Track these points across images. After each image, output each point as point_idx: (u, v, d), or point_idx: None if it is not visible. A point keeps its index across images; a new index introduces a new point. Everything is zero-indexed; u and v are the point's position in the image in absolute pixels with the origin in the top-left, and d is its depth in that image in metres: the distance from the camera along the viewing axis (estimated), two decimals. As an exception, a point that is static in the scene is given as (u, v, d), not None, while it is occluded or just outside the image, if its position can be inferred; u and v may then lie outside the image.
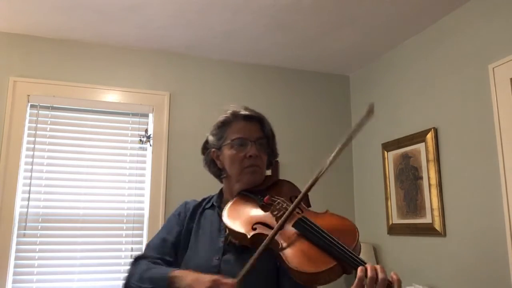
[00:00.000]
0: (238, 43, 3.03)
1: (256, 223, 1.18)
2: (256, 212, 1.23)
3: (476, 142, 2.35)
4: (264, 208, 1.24)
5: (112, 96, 3.01)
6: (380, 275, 0.95)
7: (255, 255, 1.07)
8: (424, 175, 2.68)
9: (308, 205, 1.26)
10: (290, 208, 1.14)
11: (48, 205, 2.79)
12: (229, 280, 1.06)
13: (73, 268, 2.76)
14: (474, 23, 2.43)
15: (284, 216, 1.13)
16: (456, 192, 2.47)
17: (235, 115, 1.37)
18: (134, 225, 2.93)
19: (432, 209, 2.59)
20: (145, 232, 2.92)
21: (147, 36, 2.93)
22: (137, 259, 1.33)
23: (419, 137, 2.74)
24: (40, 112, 2.87)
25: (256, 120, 1.39)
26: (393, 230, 2.93)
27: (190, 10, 2.59)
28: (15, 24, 2.78)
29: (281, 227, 1.11)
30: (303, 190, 1.18)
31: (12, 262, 2.65)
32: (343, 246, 1.02)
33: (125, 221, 2.92)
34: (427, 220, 2.63)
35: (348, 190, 3.43)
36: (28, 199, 2.74)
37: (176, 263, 1.31)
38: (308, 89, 3.49)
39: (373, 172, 3.19)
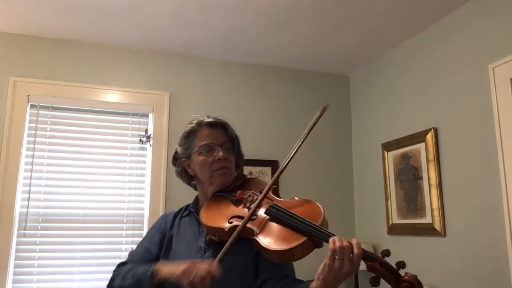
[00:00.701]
0: (238, 43, 3.03)
1: (231, 217, 1.27)
2: (230, 208, 1.33)
3: (476, 142, 2.35)
4: (237, 203, 1.34)
5: (112, 96, 3.01)
6: (344, 243, 1.06)
7: (232, 236, 1.17)
8: (424, 175, 2.68)
9: (278, 197, 1.34)
10: (260, 196, 1.26)
11: (48, 205, 2.79)
12: (205, 264, 1.15)
13: (73, 268, 2.76)
14: (474, 23, 2.43)
15: (256, 202, 1.25)
16: (456, 192, 2.47)
17: (199, 124, 1.45)
18: (134, 225, 2.93)
19: (432, 209, 2.59)
20: (145, 232, 2.91)
21: (147, 36, 2.93)
22: (120, 264, 1.41)
23: (419, 137, 2.74)
24: (40, 112, 2.87)
25: (219, 126, 1.46)
26: (393, 230, 2.94)
27: (190, 10, 2.59)
28: (15, 24, 2.78)
29: (254, 212, 1.22)
30: (270, 182, 1.30)
31: (12, 262, 2.65)
32: (310, 223, 1.13)
33: (125, 221, 2.92)
34: (427, 220, 2.63)
35: (348, 190, 3.43)
36: (28, 199, 2.74)
37: None
38: (308, 89, 3.49)
39: (373, 172, 3.19)
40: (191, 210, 1.46)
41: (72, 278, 2.75)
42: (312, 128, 1.31)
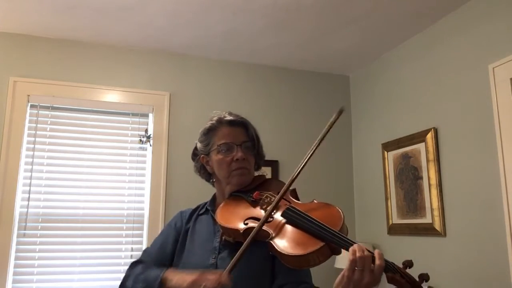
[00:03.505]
0: (238, 43, 3.03)
1: (247, 218, 1.23)
2: (247, 209, 1.29)
3: (476, 142, 2.35)
4: (254, 204, 1.30)
5: (112, 96, 3.01)
6: (365, 253, 1.03)
7: (245, 244, 1.12)
8: (424, 175, 2.68)
9: (297, 199, 1.31)
10: (276, 197, 1.21)
11: (48, 205, 2.79)
12: (214, 274, 1.12)
13: (73, 268, 2.76)
14: (474, 23, 2.42)
15: (272, 205, 1.20)
16: (456, 192, 2.47)
17: (220, 121, 1.41)
18: (134, 225, 2.93)
19: (432, 209, 2.59)
20: (145, 232, 2.92)
21: (147, 36, 2.93)
22: (134, 264, 1.39)
23: (419, 137, 2.74)
24: (40, 112, 2.87)
25: (240, 124, 1.42)
26: (393, 230, 2.94)
27: (190, 10, 2.59)
28: (15, 24, 2.78)
29: (269, 216, 1.18)
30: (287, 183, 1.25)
31: (12, 262, 2.65)
32: (328, 228, 1.09)
33: (125, 221, 2.92)
34: (427, 220, 2.63)
35: (348, 190, 3.43)
36: (28, 199, 2.74)
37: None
38: (308, 89, 3.49)
39: (373, 172, 3.19)
40: (208, 208, 1.44)
41: (72, 278, 2.75)
42: (326, 133, 1.27)
